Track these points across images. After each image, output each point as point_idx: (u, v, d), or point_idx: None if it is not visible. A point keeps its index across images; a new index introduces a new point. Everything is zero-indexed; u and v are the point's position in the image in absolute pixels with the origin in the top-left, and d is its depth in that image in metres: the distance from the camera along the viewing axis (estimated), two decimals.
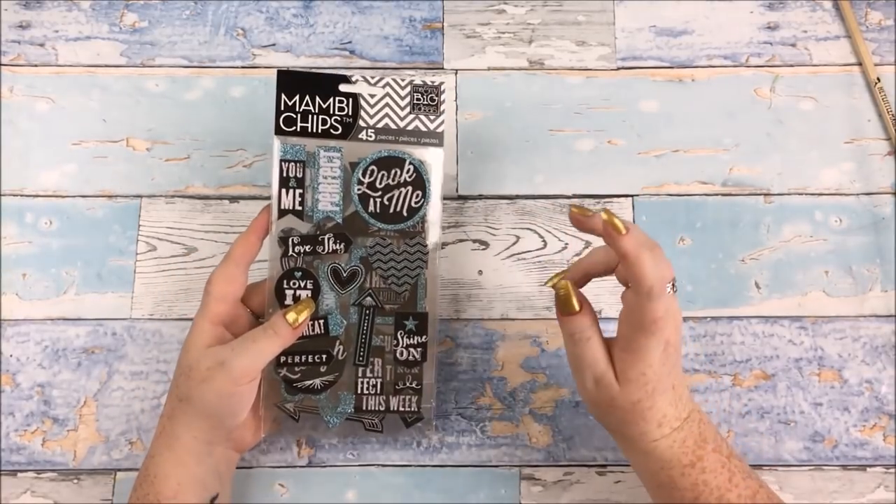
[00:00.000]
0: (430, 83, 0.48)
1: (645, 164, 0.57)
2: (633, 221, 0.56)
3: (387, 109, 0.48)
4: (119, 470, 0.52)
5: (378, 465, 0.52)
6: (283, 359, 0.47)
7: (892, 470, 0.52)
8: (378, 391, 0.48)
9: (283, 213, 0.47)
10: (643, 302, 0.39)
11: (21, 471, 0.52)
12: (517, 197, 0.57)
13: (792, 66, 0.59)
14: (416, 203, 0.48)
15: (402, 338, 0.48)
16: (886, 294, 0.55)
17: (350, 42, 0.59)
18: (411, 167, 0.48)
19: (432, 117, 0.48)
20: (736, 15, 0.60)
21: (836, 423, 0.53)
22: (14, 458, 0.52)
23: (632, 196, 0.57)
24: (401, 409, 0.48)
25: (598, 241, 0.56)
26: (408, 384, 0.48)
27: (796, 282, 0.55)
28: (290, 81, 0.48)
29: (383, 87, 0.48)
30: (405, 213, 0.48)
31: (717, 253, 0.56)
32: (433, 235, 0.48)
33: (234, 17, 0.60)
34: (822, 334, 0.54)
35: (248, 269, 0.47)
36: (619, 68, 0.59)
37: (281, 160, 0.47)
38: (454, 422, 0.53)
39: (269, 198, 0.56)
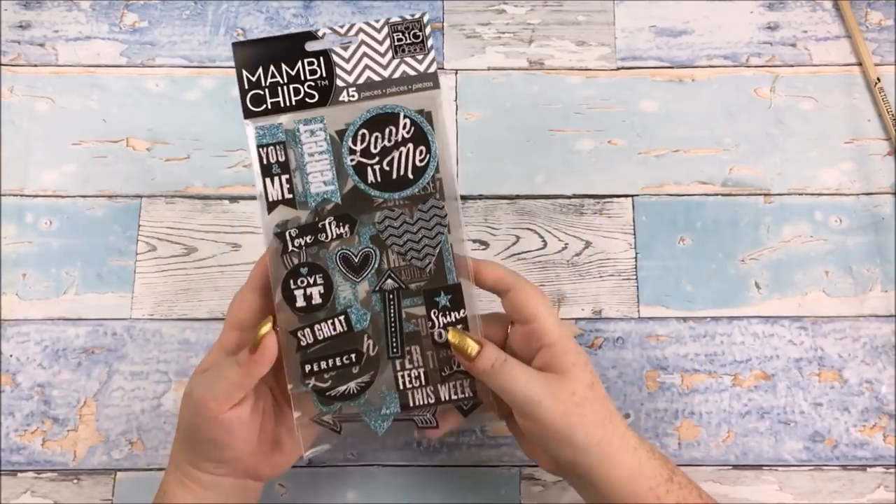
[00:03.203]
0: (409, 18, 0.42)
1: (645, 164, 0.57)
2: (633, 221, 0.56)
3: (366, 60, 0.42)
4: (119, 470, 0.52)
5: (378, 465, 0.52)
6: (308, 367, 0.41)
7: (892, 470, 0.52)
8: (423, 382, 0.42)
9: (272, 205, 0.41)
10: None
11: (21, 471, 0.52)
12: (517, 197, 0.57)
13: (792, 66, 0.59)
14: (421, 161, 0.42)
15: (438, 317, 0.42)
16: (886, 294, 0.55)
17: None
18: (407, 121, 0.42)
19: (420, 57, 0.42)
20: (736, 15, 0.60)
21: (836, 423, 0.53)
22: (14, 458, 0.52)
23: (632, 196, 0.57)
24: (453, 397, 0.42)
25: (597, 241, 0.56)
26: (455, 368, 0.42)
27: (796, 282, 0.55)
28: (248, 53, 0.41)
29: (356, 34, 0.41)
30: (411, 176, 0.42)
31: (717, 253, 0.56)
32: (449, 192, 0.42)
33: (234, 17, 0.60)
34: (822, 334, 0.54)
35: (268, 293, 0.42)
36: (619, 68, 0.59)
37: (258, 146, 0.42)
38: None
39: None
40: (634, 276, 0.55)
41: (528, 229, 0.56)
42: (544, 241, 0.56)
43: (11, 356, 0.54)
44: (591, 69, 0.59)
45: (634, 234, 0.56)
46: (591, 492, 0.41)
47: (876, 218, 0.56)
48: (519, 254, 0.56)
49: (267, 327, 0.39)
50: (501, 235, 0.56)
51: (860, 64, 0.59)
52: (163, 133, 0.58)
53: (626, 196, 0.57)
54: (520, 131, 0.58)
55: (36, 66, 0.59)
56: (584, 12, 0.60)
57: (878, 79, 0.58)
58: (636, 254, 0.56)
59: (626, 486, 0.40)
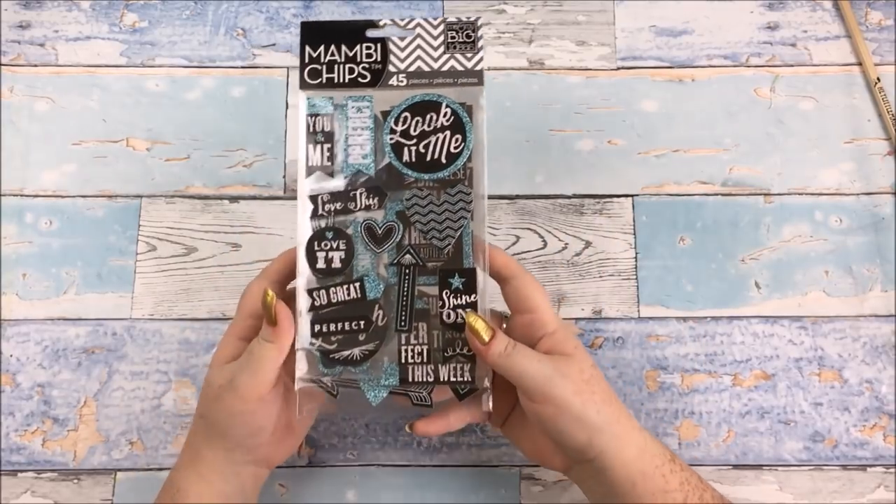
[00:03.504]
0: (465, 20, 0.45)
1: (645, 164, 0.57)
2: (633, 221, 0.56)
3: (419, 52, 0.45)
4: (119, 470, 0.52)
5: (378, 465, 0.52)
6: (317, 327, 0.43)
7: (892, 470, 0.52)
8: (425, 360, 0.43)
9: (311, 170, 0.44)
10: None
11: (21, 471, 0.52)
12: (517, 197, 0.57)
13: (792, 66, 0.59)
14: (455, 148, 0.44)
15: (449, 298, 0.43)
16: (886, 294, 0.55)
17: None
18: (448, 110, 0.44)
19: (469, 55, 0.44)
20: (736, 15, 0.60)
21: (836, 423, 0.53)
22: (14, 458, 0.52)
23: (632, 196, 0.57)
24: (452, 379, 0.43)
25: (597, 241, 0.56)
26: (458, 350, 0.43)
27: (796, 282, 0.55)
28: (314, 32, 0.45)
29: (414, 27, 0.45)
30: (444, 160, 0.44)
31: (717, 253, 0.56)
32: (478, 183, 0.44)
33: (234, 17, 0.60)
34: (822, 334, 0.54)
35: (284, 286, 0.44)
36: (619, 68, 0.59)
37: (308, 115, 0.44)
38: None
39: (269, 198, 0.57)
40: (634, 276, 0.55)
41: (528, 229, 0.56)
42: (544, 241, 0.56)
43: (11, 356, 0.54)
44: (591, 69, 0.59)
45: (634, 234, 0.56)
46: (601, 476, 0.41)
47: (876, 218, 0.56)
48: (519, 254, 0.56)
49: (270, 295, 0.40)
50: (501, 235, 0.56)
51: (860, 64, 0.59)
52: (163, 133, 0.58)
53: (626, 196, 0.57)
54: (519, 131, 0.58)
55: (36, 66, 0.59)
56: (584, 12, 0.60)
57: (878, 79, 0.58)
58: (636, 254, 0.56)
59: (635, 465, 0.41)
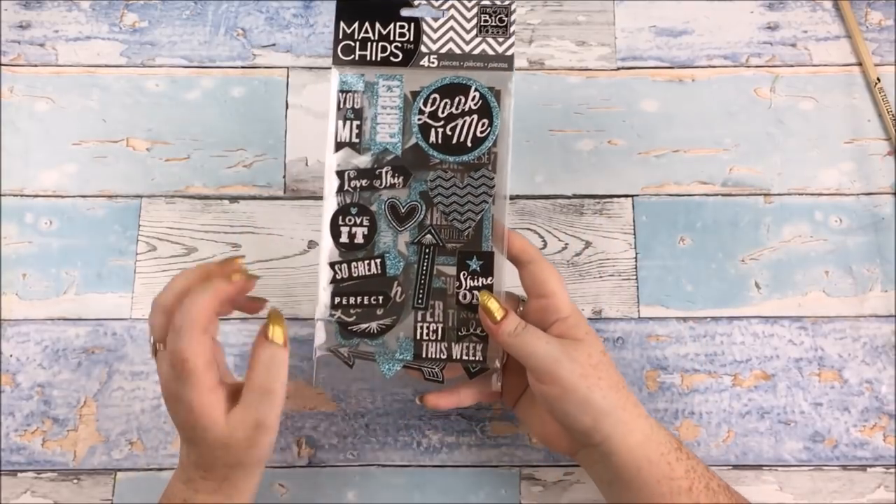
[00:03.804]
0: (499, 3, 0.45)
1: (645, 164, 0.57)
2: (633, 221, 0.56)
3: (451, 34, 0.45)
4: (119, 470, 0.52)
5: (378, 465, 0.52)
6: (337, 300, 0.44)
7: (892, 470, 0.52)
8: (439, 337, 0.44)
9: (339, 145, 0.45)
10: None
11: (21, 471, 0.52)
12: (517, 197, 0.57)
13: (792, 66, 0.59)
14: (482, 132, 0.45)
15: (466, 279, 0.44)
16: (886, 294, 0.55)
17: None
18: (477, 94, 0.45)
19: (501, 39, 0.45)
20: (736, 15, 0.60)
21: (836, 423, 0.53)
22: (14, 458, 0.52)
23: (632, 196, 0.57)
24: (464, 357, 0.44)
25: (597, 241, 0.56)
26: (472, 330, 0.44)
27: (796, 282, 0.55)
28: (349, 8, 0.45)
29: (448, 9, 0.45)
30: (469, 144, 0.45)
31: (717, 253, 0.56)
32: (501, 168, 0.45)
33: (234, 17, 0.60)
34: (822, 334, 0.54)
35: (207, 333, 0.39)
36: (619, 68, 0.59)
37: (339, 91, 0.45)
38: (454, 422, 0.53)
39: (269, 198, 0.57)
40: (634, 276, 0.55)
41: (528, 229, 0.56)
42: (544, 241, 0.56)
43: (11, 356, 0.54)
44: (591, 69, 0.59)
45: (634, 234, 0.56)
46: (606, 461, 0.42)
47: (876, 218, 0.56)
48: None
49: (278, 312, 0.40)
50: None
51: (860, 64, 0.59)
52: (163, 133, 0.58)
53: (626, 196, 0.57)
54: (519, 131, 0.58)
55: (36, 66, 0.59)
56: (584, 12, 0.60)
57: (878, 79, 0.58)
58: (636, 254, 0.56)
59: (640, 451, 0.41)
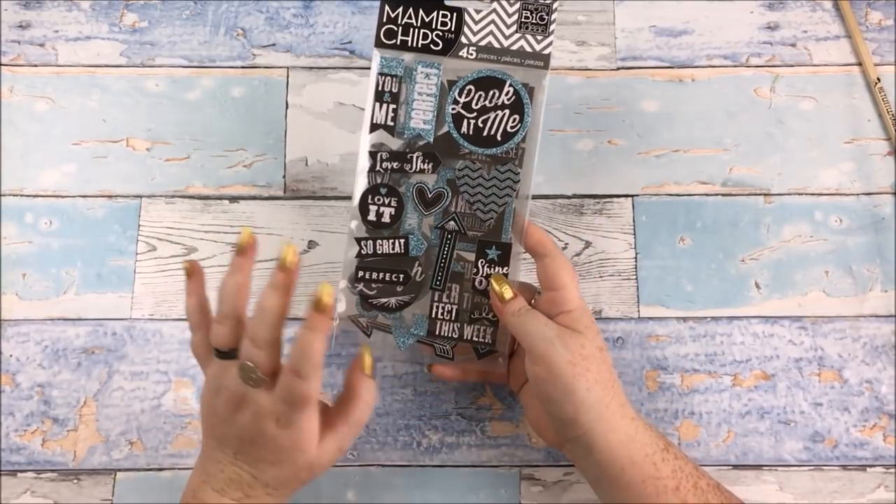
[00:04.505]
0: (541, 1, 0.46)
1: (645, 164, 0.57)
2: (633, 221, 0.56)
3: (492, 27, 0.46)
4: (119, 470, 0.52)
5: (378, 465, 0.52)
6: (361, 273, 0.47)
7: (892, 470, 0.52)
8: (453, 318, 0.47)
9: (374, 126, 0.47)
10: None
11: (21, 471, 0.52)
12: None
13: (792, 66, 0.59)
14: (512, 128, 0.46)
15: (483, 267, 0.47)
16: (886, 294, 0.55)
17: (350, 42, 0.59)
18: (511, 89, 0.46)
19: (539, 37, 0.46)
20: (736, 15, 0.60)
21: (836, 423, 0.53)
22: (14, 458, 0.52)
23: (632, 196, 0.57)
24: (474, 338, 0.47)
25: (597, 241, 0.56)
26: (484, 314, 0.47)
27: (796, 282, 0.55)
28: None
29: (491, 2, 0.46)
30: (499, 138, 0.46)
31: (717, 253, 0.56)
32: (528, 164, 0.46)
33: (234, 17, 0.60)
34: (822, 334, 0.54)
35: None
36: (619, 68, 0.59)
37: (378, 73, 0.46)
38: (454, 422, 0.53)
39: (269, 198, 0.57)
40: (634, 276, 0.55)
41: None
42: None
43: (11, 356, 0.54)
44: (591, 69, 0.59)
45: (634, 234, 0.56)
46: (589, 457, 0.42)
47: (876, 218, 0.56)
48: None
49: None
50: None
51: (860, 64, 0.59)
52: (163, 133, 0.58)
53: (626, 196, 0.57)
54: None
55: (36, 66, 0.59)
56: (584, 12, 0.60)
57: (878, 79, 0.58)
58: (636, 254, 0.56)
59: (623, 450, 0.41)
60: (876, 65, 0.58)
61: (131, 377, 0.53)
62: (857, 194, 0.56)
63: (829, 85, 0.58)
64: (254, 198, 0.57)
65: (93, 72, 0.59)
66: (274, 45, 0.59)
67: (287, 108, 0.58)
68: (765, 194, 0.56)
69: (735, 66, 0.59)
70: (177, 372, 0.53)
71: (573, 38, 0.60)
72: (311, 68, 0.59)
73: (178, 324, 0.54)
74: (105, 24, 0.60)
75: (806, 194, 0.57)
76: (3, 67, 0.59)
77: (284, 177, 0.57)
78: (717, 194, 0.57)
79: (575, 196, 0.57)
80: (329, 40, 0.59)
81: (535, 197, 0.57)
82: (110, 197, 0.57)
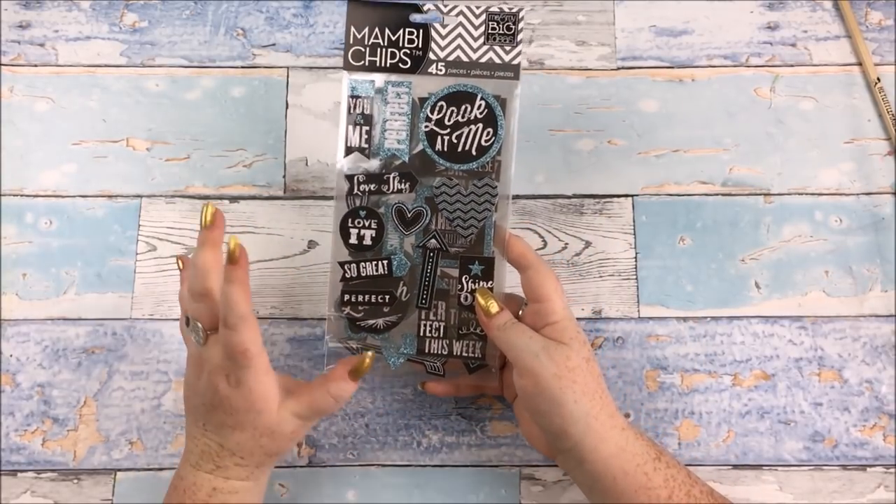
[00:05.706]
0: (507, 10, 0.46)
1: (645, 164, 0.57)
2: (633, 221, 0.56)
3: (459, 41, 0.46)
4: (119, 470, 0.52)
5: (378, 465, 0.52)
6: (347, 297, 0.47)
7: (892, 470, 0.52)
8: (441, 335, 0.47)
9: (349, 150, 0.47)
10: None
11: (21, 471, 0.52)
12: (517, 197, 0.57)
13: (792, 66, 0.59)
14: (486, 141, 0.46)
15: (468, 282, 0.47)
16: (886, 294, 0.55)
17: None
18: (482, 103, 0.46)
19: (508, 48, 0.46)
20: (736, 15, 0.60)
21: (836, 423, 0.53)
22: (14, 458, 0.52)
23: (632, 196, 0.57)
24: (464, 354, 0.47)
25: (597, 241, 0.56)
26: (472, 330, 0.47)
27: (796, 282, 0.55)
28: (360, 13, 0.46)
29: (456, 15, 0.46)
30: (474, 152, 0.46)
31: (717, 253, 0.56)
32: (504, 175, 0.46)
33: (234, 17, 0.60)
34: (822, 334, 0.54)
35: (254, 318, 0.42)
36: (619, 68, 0.59)
37: (349, 96, 0.46)
38: (454, 422, 0.53)
39: (269, 198, 0.57)
40: (634, 276, 0.55)
41: (529, 229, 0.56)
42: (544, 241, 0.56)
43: (11, 356, 0.54)
44: (591, 69, 0.59)
45: (634, 234, 0.56)
46: (581, 468, 0.42)
47: (876, 218, 0.56)
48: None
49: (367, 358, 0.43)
50: None
51: (860, 64, 0.59)
52: (163, 133, 0.58)
53: (626, 196, 0.57)
54: (520, 131, 0.57)
55: (36, 66, 0.59)
56: (584, 12, 0.60)
57: (878, 79, 0.58)
58: (636, 254, 0.56)
59: (614, 462, 0.41)
60: (876, 65, 0.58)
61: (131, 377, 0.53)
62: (857, 194, 0.56)
63: (829, 85, 0.58)
64: (254, 198, 0.57)
65: (93, 72, 0.59)
66: (274, 45, 0.59)
67: (287, 108, 0.58)
68: (765, 194, 0.56)
69: (735, 66, 0.59)
70: (177, 372, 0.53)
71: (573, 38, 0.60)
72: (311, 68, 0.59)
73: (178, 324, 0.54)
74: (105, 23, 0.60)
75: (806, 194, 0.57)
76: (3, 67, 0.59)
77: (284, 177, 0.57)
78: (717, 194, 0.57)
79: (575, 196, 0.57)
80: (329, 40, 0.59)
81: (535, 197, 0.57)
82: (110, 197, 0.57)
